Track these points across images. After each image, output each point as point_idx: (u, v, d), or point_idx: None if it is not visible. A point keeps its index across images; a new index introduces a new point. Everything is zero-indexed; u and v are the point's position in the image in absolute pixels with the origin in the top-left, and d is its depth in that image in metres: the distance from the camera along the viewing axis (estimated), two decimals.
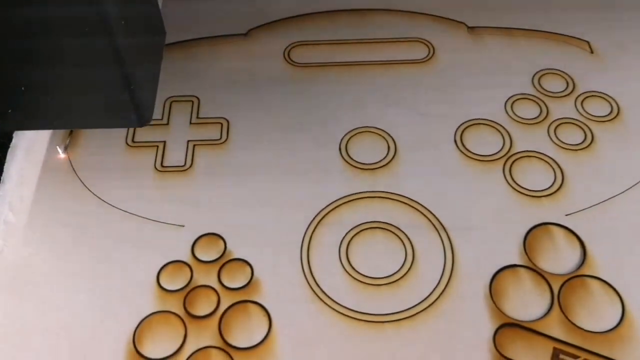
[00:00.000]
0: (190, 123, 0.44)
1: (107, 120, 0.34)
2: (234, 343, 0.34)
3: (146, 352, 0.34)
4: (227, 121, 0.44)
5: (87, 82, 0.32)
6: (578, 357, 0.33)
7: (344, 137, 0.43)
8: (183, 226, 0.38)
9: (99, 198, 0.40)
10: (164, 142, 0.43)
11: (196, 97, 0.45)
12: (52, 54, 0.30)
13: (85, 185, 0.40)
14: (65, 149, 0.41)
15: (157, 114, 0.44)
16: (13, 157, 0.42)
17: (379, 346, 0.34)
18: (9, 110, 0.32)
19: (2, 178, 0.41)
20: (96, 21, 0.29)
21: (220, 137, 0.43)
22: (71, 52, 0.30)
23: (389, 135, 0.43)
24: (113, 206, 0.39)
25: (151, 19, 0.36)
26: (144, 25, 0.35)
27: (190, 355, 0.34)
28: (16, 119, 0.33)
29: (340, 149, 0.42)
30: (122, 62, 0.30)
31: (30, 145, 0.43)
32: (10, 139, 0.42)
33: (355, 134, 0.43)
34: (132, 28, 0.31)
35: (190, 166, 0.41)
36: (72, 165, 0.42)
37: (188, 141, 0.43)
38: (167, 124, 0.44)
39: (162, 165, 0.41)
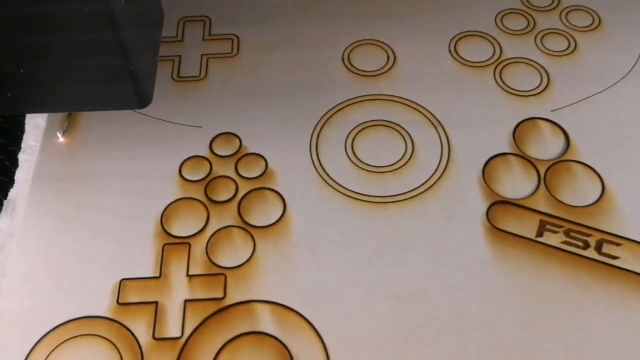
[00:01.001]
0: (203, 39, 0.47)
1: (107, 103, 0.34)
2: (253, 222, 0.37)
3: (173, 232, 0.37)
4: (237, 37, 0.47)
5: (86, 65, 0.31)
6: (562, 226, 0.37)
7: (346, 48, 0.46)
8: (201, 127, 0.42)
9: None
10: (179, 56, 0.46)
11: (207, 17, 0.48)
12: (51, 36, 0.30)
13: None
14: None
15: (171, 32, 0.47)
16: None
17: (383, 222, 0.37)
18: (8, 94, 0.32)
19: None
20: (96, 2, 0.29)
21: (232, 51, 0.46)
22: (70, 33, 0.30)
23: (388, 46, 0.46)
24: (136, 111, 0.43)
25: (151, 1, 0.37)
26: (144, 5, 0.35)
27: (214, 233, 0.37)
28: (14, 103, 0.33)
29: (343, 59, 0.45)
30: (122, 43, 0.30)
31: None
32: None
33: (357, 46, 0.46)
34: (132, 8, 0.31)
35: (205, 76, 0.45)
36: None
37: (202, 55, 0.46)
38: (182, 40, 0.47)
39: (178, 76, 0.45)
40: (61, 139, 0.41)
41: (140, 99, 0.33)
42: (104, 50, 0.31)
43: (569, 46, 0.45)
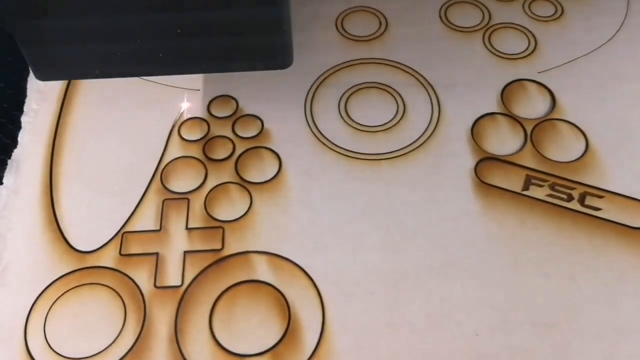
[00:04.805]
0: None
1: (254, 64, 0.33)
2: (249, 179, 0.39)
3: (173, 188, 0.39)
4: None
5: (240, 24, 0.30)
6: (547, 180, 0.38)
7: (339, 15, 0.47)
8: (198, 90, 0.43)
9: None
10: None
11: None
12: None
13: None
14: None
15: None
16: None
17: (375, 177, 0.39)
18: (160, 55, 0.32)
19: None
20: None
21: None
22: None
23: (380, 13, 0.47)
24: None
25: None
26: None
27: (212, 189, 0.38)
28: (165, 64, 0.32)
29: (336, 26, 0.47)
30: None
31: None
32: None
33: (349, 13, 0.47)
34: None
35: None
36: None
37: None
38: None
39: None
40: None
41: (287, 58, 0.33)
42: (261, 10, 0.30)
43: (555, 11, 0.47)
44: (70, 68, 0.34)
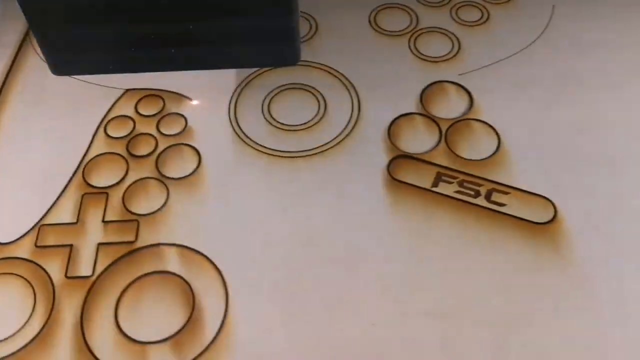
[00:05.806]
0: None
1: (265, 61, 0.36)
2: (168, 175, 0.40)
3: (94, 183, 0.40)
4: None
5: (253, 23, 0.33)
6: (457, 178, 0.39)
7: None
8: (127, 89, 0.44)
9: None
10: None
11: None
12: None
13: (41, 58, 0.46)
14: None
15: None
16: None
17: (291, 174, 0.40)
18: (172, 50, 0.34)
19: None
20: None
21: None
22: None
23: (311, 16, 0.49)
24: (71, 76, 0.45)
25: None
26: None
27: (131, 184, 0.39)
28: (177, 60, 0.35)
29: None
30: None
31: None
32: None
33: None
34: None
35: None
36: (36, 52, 0.47)
37: None
38: None
39: None
40: None
41: (296, 54, 0.35)
42: (274, 10, 0.32)
43: (482, 16, 0.48)
44: (86, 65, 0.36)
